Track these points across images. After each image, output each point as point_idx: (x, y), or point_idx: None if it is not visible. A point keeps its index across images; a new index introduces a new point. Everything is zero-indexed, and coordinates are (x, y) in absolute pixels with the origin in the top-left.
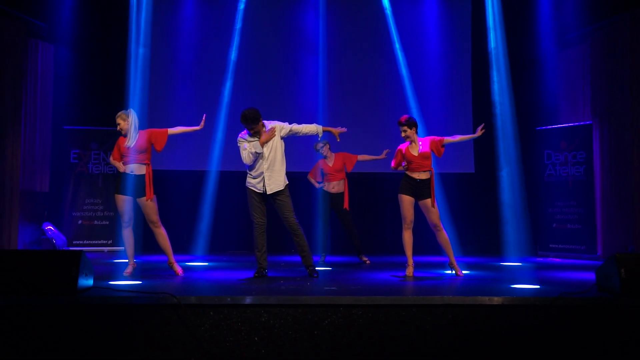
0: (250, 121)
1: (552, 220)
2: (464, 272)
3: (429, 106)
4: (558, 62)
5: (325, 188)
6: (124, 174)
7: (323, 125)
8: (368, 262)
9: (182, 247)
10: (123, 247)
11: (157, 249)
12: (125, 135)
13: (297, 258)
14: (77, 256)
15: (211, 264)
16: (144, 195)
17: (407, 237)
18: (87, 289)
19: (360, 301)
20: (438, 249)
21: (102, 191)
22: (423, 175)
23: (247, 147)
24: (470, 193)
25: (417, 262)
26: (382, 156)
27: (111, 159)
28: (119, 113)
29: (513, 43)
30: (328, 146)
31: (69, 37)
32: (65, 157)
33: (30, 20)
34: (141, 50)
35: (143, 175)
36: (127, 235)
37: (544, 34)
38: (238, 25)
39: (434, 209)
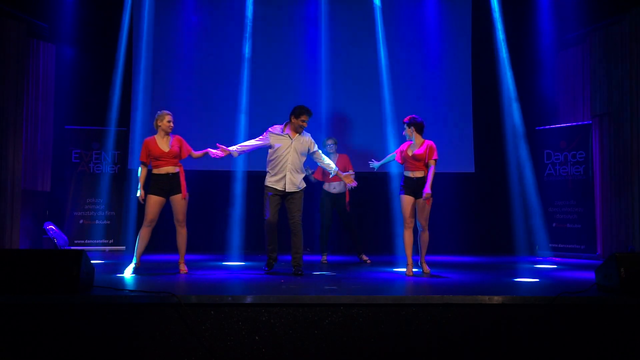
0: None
1: (552, 219)
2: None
3: (429, 104)
4: (558, 62)
5: (326, 188)
6: (158, 174)
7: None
8: (369, 261)
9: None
10: (124, 247)
11: (159, 248)
12: (168, 134)
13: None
14: (78, 255)
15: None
16: (178, 193)
17: (407, 237)
18: (89, 287)
19: (360, 300)
20: (438, 249)
21: (103, 191)
22: (418, 174)
23: (269, 140)
24: (469, 193)
25: (416, 261)
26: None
27: (142, 172)
28: (168, 112)
29: (513, 43)
30: (336, 145)
31: (71, 37)
32: (67, 157)
33: (32, 21)
34: (144, 49)
35: (177, 174)
36: (145, 234)
37: (543, 34)
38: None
39: (427, 207)
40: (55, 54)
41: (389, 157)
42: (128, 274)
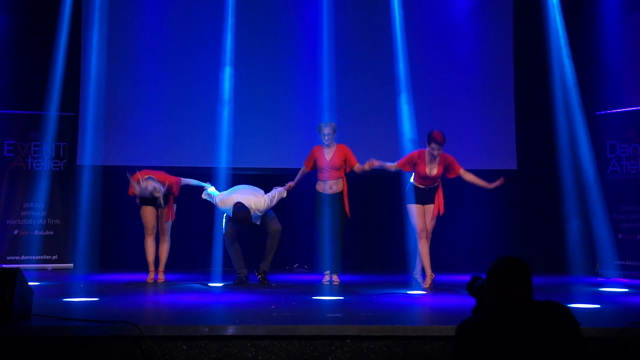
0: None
1: (617, 229)
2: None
3: (459, 85)
4: (624, 28)
5: (319, 189)
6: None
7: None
8: (337, 282)
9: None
10: (72, 264)
11: (118, 267)
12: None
13: (294, 277)
14: (11, 275)
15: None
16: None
17: (423, 247)
18: (25, 316)
19: (371, 332)
20: (471, 266)
21: (45, 193)
22: (431, 185)
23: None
24: (510, 195)
25: (443, 282)
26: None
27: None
28: (148, 180)
29: (566, 6)
30: (335, 133)
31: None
32: None
33: None
34: (97, 17)
35: (168, 195)
36: (150, 243)
37: None
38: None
39: (434, 219)
40: None
41: (390, 167)
42: (150, 281)
